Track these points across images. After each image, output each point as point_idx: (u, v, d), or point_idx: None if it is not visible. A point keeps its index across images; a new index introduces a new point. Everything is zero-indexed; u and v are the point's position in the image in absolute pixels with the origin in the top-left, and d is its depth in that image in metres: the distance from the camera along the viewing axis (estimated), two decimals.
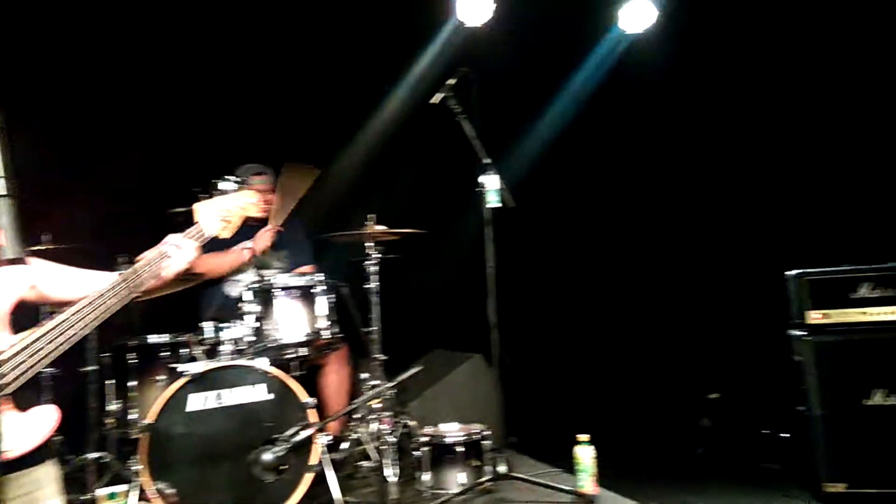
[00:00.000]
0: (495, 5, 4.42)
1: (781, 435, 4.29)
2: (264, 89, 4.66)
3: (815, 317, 3.67)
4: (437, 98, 3.46)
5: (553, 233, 5.30)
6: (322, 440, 3.12)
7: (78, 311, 1.61)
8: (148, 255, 1.86)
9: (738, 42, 4.82)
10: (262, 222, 3.77)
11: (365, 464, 3.60)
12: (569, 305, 5.29)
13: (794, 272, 3.75)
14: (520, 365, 4.22)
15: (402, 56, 4.77)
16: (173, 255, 1.85)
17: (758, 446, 4.41)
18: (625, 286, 5.41)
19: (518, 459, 3.89)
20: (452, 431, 3.45)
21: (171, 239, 1.90)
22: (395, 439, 3.52)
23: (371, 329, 3.50)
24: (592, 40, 5.06)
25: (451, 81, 3.45)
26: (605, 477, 3.32)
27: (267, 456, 2.99)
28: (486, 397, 3.83)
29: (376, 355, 3.50)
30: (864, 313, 3.61)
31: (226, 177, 2.13)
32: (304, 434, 3.03)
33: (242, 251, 3.75)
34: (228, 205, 2.08)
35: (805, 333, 3.67)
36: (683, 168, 5.27)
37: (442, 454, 3.38)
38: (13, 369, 1.46)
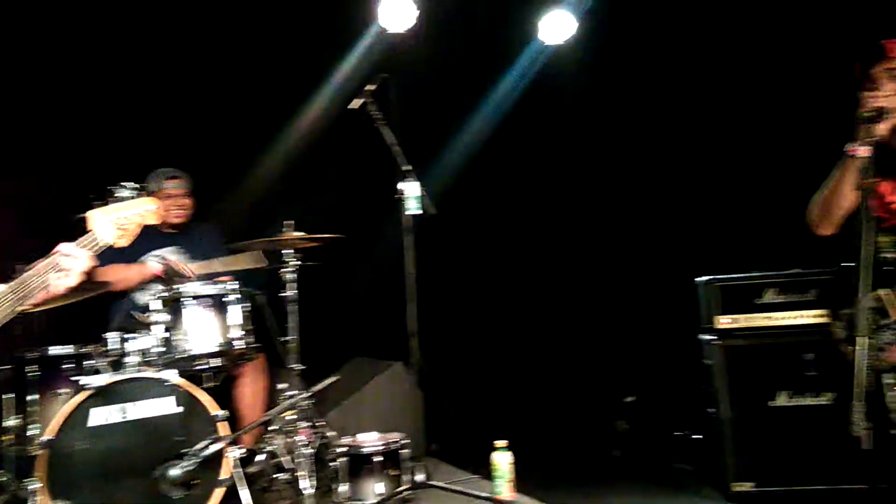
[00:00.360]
0: (418, 12, 4.42)
1: (693, 436, 4.43)
2: (180, 92, 4.51)
3: (723, 321, 3.81)
4: (355, 104, 3.43)
5: (472, 240, 5.34)
6: (234, 454, 3.04)
7: None
8: (38, 266, 1.74)
9: (654, 52, 4.97)
10: (179, 229, 3.65)
11: (280, 476, 3.52)
12: (487, 312, 5.33)
13: (703, 278, 3.89)
14: (440, 372, 4.21)
15: (323, 61, 4.71)
16: (64, 267, 1.75)
17: (671, 448, 4.54)
18: (542, 293, 5.48)
19: (438, 467, 3.89)
20: (370, 441, 3.40)
21: (63, 248, 1.80)
22: (311, 450, 3.46)
23: (288, 338, 3.43)
24: (515, 50, 5.12)
25: (370, 87, 3.42)
26: (524, 481, 3.35)
27: (174, 471, 2.89)
28: (406, 406, 3.81)
29: (293, 365, 3.42)
30: (770, 318, 3.77)
31: (122, 183, 2.03)
32: (213, 448, 2.94)
33: (150, 265, 3.60)
34: (125, 213, 1.99)
35: (714, 338, 3.80)
36: (599, 177, 5.39)
37: (359, 464, 3.32)
38: None
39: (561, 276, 5.49)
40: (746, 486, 3.68)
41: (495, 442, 3.23)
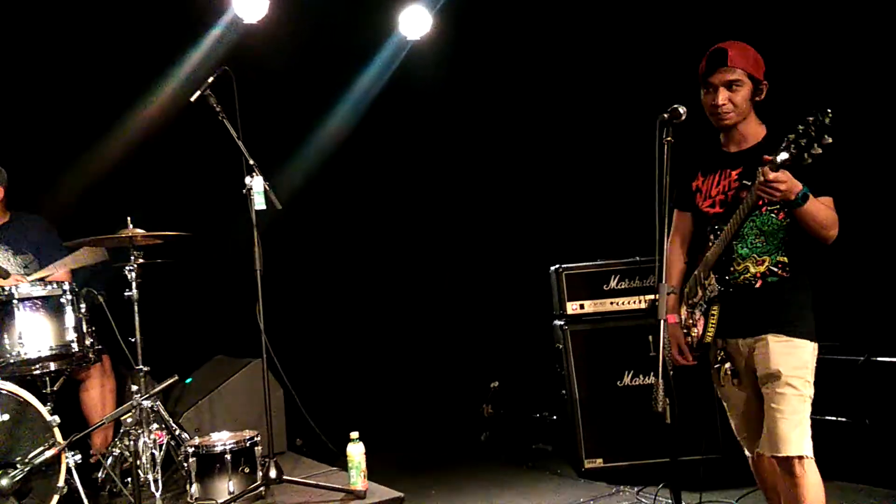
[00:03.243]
0: (269, 2, 4.36)
1: (552, 417, 4.63)
2: (10, 77, 4.23)
3: (573, 307, 4.00)
4: (194, 97, 3.34)
5: (328, 233, 5.32)
6: (70, 459, 2.92)
7: None
8: None
9: (506, 48, 5.11)
10: None
11: (129, 480, 3.42)
12: (346, 305, 5.35)
13: (554, 267, 4.07)
14: (299, 366, 4.20)
15: (172, 48, 4.55)
16: None
17: (532, 429, 4.73)
18: (409, 285, 5.55)
19: (298, 462, 3.88)
20: (221, 439, 3.35)
21: None
22: (160, 452, 3.37)
23: (134, 339, 3.32)
24: (373, 44, 5.13)
25: (210, 80, 3.35)
26: (386, 472, 3.41)
27: (4, 481, 2.75)
28: (264, 402, 3.77)
29: (140, 366, 3.32)
30: (615, 303, 3.99)
31: None
32: (47, 454, 2.82)
33: None
34: None
35: (564, 323, 3.99)
36: (457, 170, 5.50)
37: (211, 464, 3.26)
38: None
39: (425, 269, 5.57)
40: (597, 463, 3.89)
41: (350, 434, 3.26)
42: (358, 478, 3.23)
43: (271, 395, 3.51)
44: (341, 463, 3.58)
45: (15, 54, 4.24)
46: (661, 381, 2.22)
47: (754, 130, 2.46)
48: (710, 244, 2.47)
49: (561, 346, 4.01)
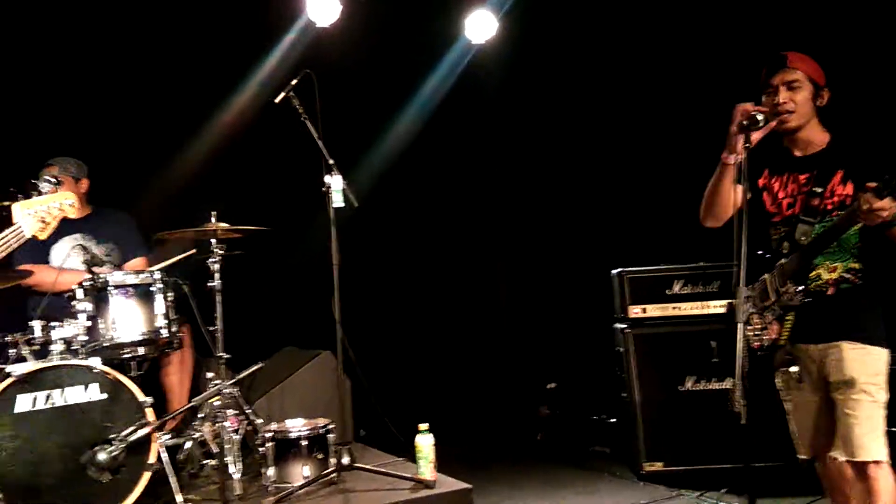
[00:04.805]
0: (342, 6, 4.51)
1: (610, 420, 4.67)
2: (105, 82, 4.48)
3: (634, 311, 4.04)
4: (278, 98, 3.50)
5: (397, 231, 5.45)
6: (161, 439, 3.09)
7: None
8: None
9: (572, 52, 5.17)
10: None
11: (208, 462, 3.59)
12: (413, 302, 5.46)
13: (616, 271, 4.12)
14: (366, 360, 4.33)
15: (251, 53, 4.75)
16: None
17: (590, 431, 4.77)
18: (474, 284, 5.65)
19: (365, 452, 4.00)
20: (297, 426, 3.49)
21: None
22: (238, 436, 3.53)
23: (215, 327, 3.48)
24: (441, 47, 5.25)
25: (294, 82, 3.50)
26: (449, 464, 3.50)
27: (101, 456, 2.92)
28: (334, 393, 3.90)
29: (220, 354, 3.48)
30: (677, 308, 4.02)
31: (44, 177, 2.07)
32: (140, 433, 2.99)
33: (77, 274, 3.47)
34: (47, 206, 2.04)
35: (626, 326, 4.04)
36: (521, 172, 5.58)
37: (286, 449, 3.41)
38: None
39: (486, 268, 5.66)
40: (657, 466, 3.92)
41: (419, 425, 3.36)
42: (426, 468, 3.32)
43: (340, 386, 3.65)
44: (406, 454, 3.69)
45: (110, 60, 4.49)
46: (739, 382, 2.26)
47: (818, 137, 2.49)
48: (782, 249, 2.50)
49: (622, 350, 4.06)
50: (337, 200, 3.44)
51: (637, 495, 3.74)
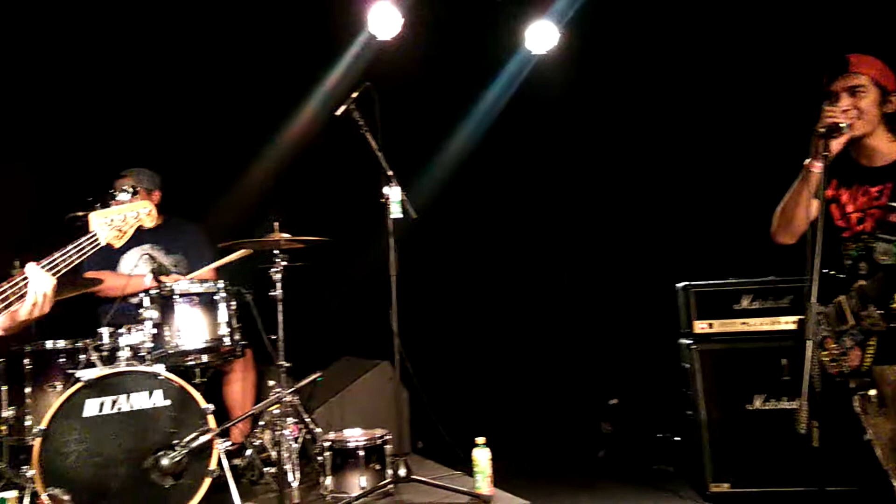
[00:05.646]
0: (403, 20, 4.55)
1: (674, 438, 4.53)
2: (174, 96, 4.64)
3: (700, 326, 3.91)
4: (339, 111, 3.55)
5: (456, 243, 5.45)
6: (222, 446, 3.15)
7: None
8: (3, 287, 1.71)
9: (635, 62, 5.07)
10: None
11: (268, 469, 3.64)
12: (472, 313, 5.44)
13: (682, 284, 4.00)
14: (425, 371, 4.32)
15: (315, 66, 4.84)
16: (31, 293, 1.72)
17: (653, 449, 4.64)
18: (527, 298, 5.59)
19: (422, 464, 3.99)
20: (354, 436, 3.51)
21: (30, 271, 1.76)
22: (297, 445, 3.57)
23: (276, 336, 3.54)
24: (500, 59, 5.24)
25: (354, 95, 3.55)
26: (508, 479, 3.45)
27: (164, 461, 3.00)
28: (391, 403, 3.91)
29: (281, 362, 3.53)
30: (746, 323, 3.86)
31: (123, 187, 2.14)
32: (202, 439, 3.05)
33: (142, 281, 3.67)
34: (123, 215, 2.10)
35: (692, 342, 3.91)
36: (582, 183, 5.49)
37: (344, 458, 3.43)
38: None
39: (546, 281, 5.59)
40: (723, 487, 3.77)
41: (476, 439, 3.33)
42: (484, 482, 3.29)
43: (398, 396, 3.65)
44: (463, 468, 3.66)
45: (183, 76, 4.65)
46: (805, 402, 2.15)
47: (887, 147, 2.35)
48: (859, 269, 2.37)
49: (688, 366, 3.93)
50: (395, 211, 3.46)
51: None
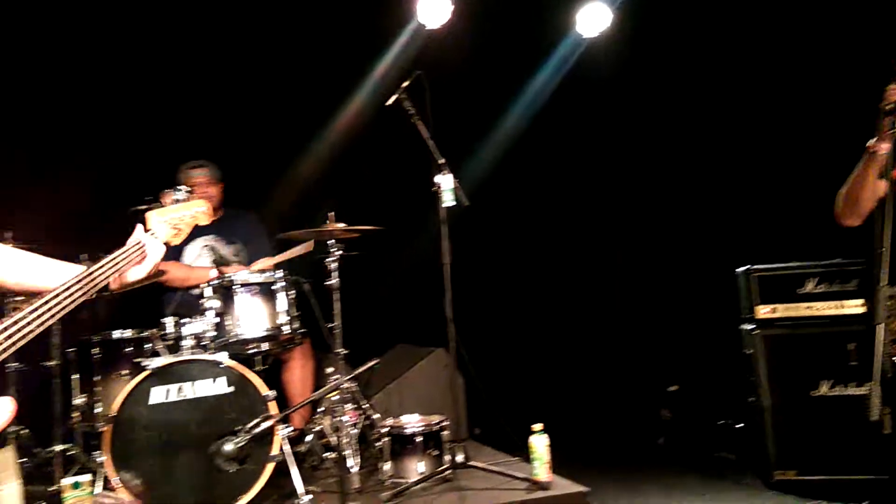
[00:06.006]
0: (453, 7, 4.52)
1: (736, 425, 4.43)
2: (224, 89, 4.73)
3: (763, 311, 3.81)
4: (391, 100, 3.56)
5: (511, 229, 5.42)
6: (283, 431, 3.21)
7: (45, 302, 1.61)
8: (115, 255, 1.81)
9: (691, 42, 4.95)
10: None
11: (327, 455, 3.71)
12: (529, 300, 5.41)
13: (743, 268, 3.90)
14: (480, 357, 4.32)
15: (364, 56, 4.87)
16: (142, 257, 1.85)
17: (714, 436, 4.54)
18: (590, 283, 5.53)
19: (480, 450, 4.00)
20: (412, 422, 3.54)
21: (142, 237, 1.89)
22: (356, 431, 3.63)
23: (333, 324, 3.59)
24: (550, 42, 5.17)
25: (405, 84, 3.55)
26: (565, 467, 3.43)
27: (228, 447, 3.07)
28: (447, 390, 3.93)
29: (338, 350, 3.58)
30: (811, 308, 3.75)
31: (178, 187, 2.20)
32: (264, 425, 3.12)
33: (209, 272, 3.74)
34: (181, 213, 2.14)
35: (754, 327, 3.81)
36: (639, 167, 5.40)
37: (402, 444, 3.47)
38: None
39: (602, 265, 5.52)
40: (789, 475, 3.68)
41: (532, 425, 3.31)
42: (542, 469, 3.28)
43: (453, 383, 3.66)
44: (521, 454, 3.65)
45: (236, 71, 4.74)
46: (878, 387, 2.07)
47: None
48: None
49: (750, 352, 3.84)
50: (447, 199, 3.46)
51: None
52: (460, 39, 4.76)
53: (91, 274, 1.70)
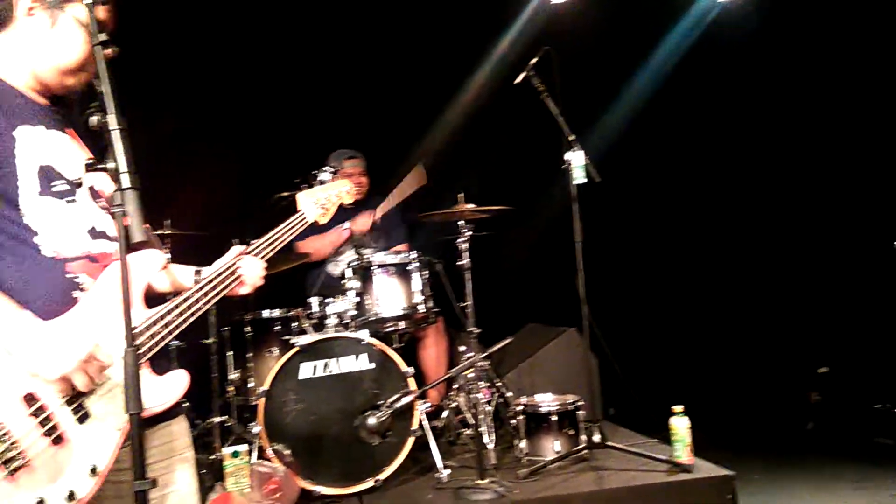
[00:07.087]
0: None
1: (895, 409, 4.13)
2: (358, 78, 4.87)
3: None
4: (520, 78, 3.53)
5: (645, 203, 5.26)
6: (422, 407, 3.30)
7: (198, 290, 1.73)
8: (219, 269, 1.81)
9: (829, 9, 4.59)
10: (355, 205, 4.00)
11: (464, 431, 3.77)
12: (665, 278, 5.24)
13: None
14: (615, 337, 4.24)
15: (488, 35, 4.86)
16: (243, 278, 1.83)
17: (870, 421, 4.26)
18: (733, 260, 5.28)
19: (616, 430, 3.93)
20: (547, 401, 3.54)
21: (242, 263, 1.85)
22: (491, 408, 3.67)
23: (465, 304, 3.63)
24: (678, 10, 4.95)
25: (534, 61, 3.51)
26: (707, 450, 3.31)
27: (371, 420, 3.19)
28: (580, 370, 3.89)
29: (471, 328, 3.63)
30: None
31: (323, 168, 2.29)
32: (404, 401, 3.21)
33: (341, 232, 4.04)
34: (327, 193, 2.23)
35: None
36: (784, 135, 5.07)
37: (538, 423, 3.48)
38: (150, 338, 1.61)
39: (746, 240, 5.25)
40: None
41: (673, 407, 3.22)
42: (683, 451, 3.18)
43: (586, 363, 3.61)
44: (658, 436, 3.56)
45: (364, 59, 4.87)
46: None
47: None
48: None
49: None
50: (578, 177, 3.40)
51: None
52: (585, 12, 4.64)
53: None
